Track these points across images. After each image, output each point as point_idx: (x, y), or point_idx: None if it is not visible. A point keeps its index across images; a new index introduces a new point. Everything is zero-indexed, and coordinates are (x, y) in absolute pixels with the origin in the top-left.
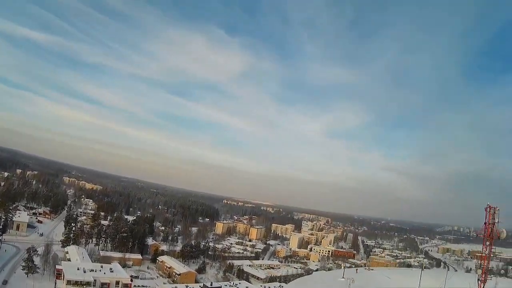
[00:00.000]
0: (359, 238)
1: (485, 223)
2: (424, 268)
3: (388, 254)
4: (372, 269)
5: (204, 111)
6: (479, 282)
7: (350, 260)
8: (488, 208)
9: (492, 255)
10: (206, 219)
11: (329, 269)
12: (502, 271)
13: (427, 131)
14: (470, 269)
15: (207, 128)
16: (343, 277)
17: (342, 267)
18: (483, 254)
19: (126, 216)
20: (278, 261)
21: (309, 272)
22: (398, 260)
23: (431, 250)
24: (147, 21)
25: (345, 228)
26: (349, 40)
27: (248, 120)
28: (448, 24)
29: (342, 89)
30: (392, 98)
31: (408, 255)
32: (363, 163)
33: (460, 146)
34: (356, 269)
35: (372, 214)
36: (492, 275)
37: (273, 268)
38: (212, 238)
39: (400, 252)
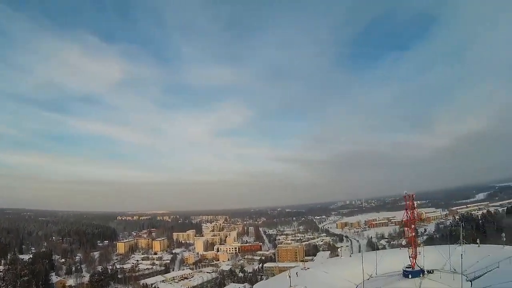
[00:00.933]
0: (261, 229)
1: (406, 209)
2: (351, 255)
3: (292, 239)
4: (308, 268)
5: (86, 126)
6: (411, 259)
7: (258, 252)
8: (407, 196)
9: (387, 220)
10: (105, 241)
11: (242, 266)
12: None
13: (311, 119)
14: (371, 237)
15: (91, 143)
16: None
17: (288, 276)
18: (409, 235)
19: (21, 256)
20: (189, 268)
21: (223, 273)
22: (304, 243)
23: (331, 227)
24: (12, 30)
25: (245, 222)
26: (228, 40)
27: (134, 130)
28: (322, 18)
29: (225, 89)
30: (275, 92)
31: (311, 236)
32: (252, 157)
33: (343, 129)
34: (296, 273)
35: (268, 204)
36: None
37: (187, 278)
38: (117, 260)
39: (303, 235)
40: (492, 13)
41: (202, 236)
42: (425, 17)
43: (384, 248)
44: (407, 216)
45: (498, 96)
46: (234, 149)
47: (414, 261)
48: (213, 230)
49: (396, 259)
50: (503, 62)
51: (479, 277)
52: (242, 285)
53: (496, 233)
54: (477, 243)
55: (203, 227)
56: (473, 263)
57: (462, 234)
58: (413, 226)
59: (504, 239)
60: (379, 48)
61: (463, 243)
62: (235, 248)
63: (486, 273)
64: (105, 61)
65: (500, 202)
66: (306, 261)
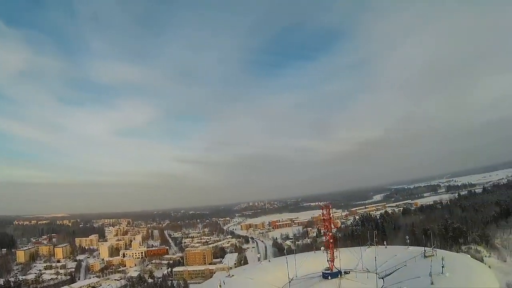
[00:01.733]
0: (166, 232)
1: (323, 219)
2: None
3: (198, 242)
4: (233, 275)
5: None
6: (329, 262)
7: (166, 256)
8: (325, 208)
9: (290, 221)
10: (3, 249)
11: (150, 271)
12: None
13: (215, 121)
14: (276, 238)
15: None
16: None
17: (219, 286)
18: (326, 241)
19: None
20: (96, 276)
21: (132, 280)
22: (211, 245)
23: (236, 229)
24: None
25: (149, 225)
26: (136, 36)
27: (32, 125)
28: (233, 24)
29: (130, 86)
30: (181, 93)
31: (217, 238)
32: (155, 158)
33: (246, 133)
34: (223, 281)
35: (172, 206)
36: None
37: (94, 287)
38: (18, 270)
39: (209, 237)
40: (393, 34)
41: (106, 241)
42: (331, 32)
43: (290, 248)
44: (324, 225)
45: (394, 107)
46: (137, 149)
47: (332, 264)
48: (116, 234)
49: (312, 262)
50: (400, 77)
51: (389, 274)
52: None
53: (394, 232)
54: (385, 245)
55: (106, 231)
56: (382, 263)
57: (374, 237)
58: (330, 233)
59: (408, 241)
60: (286, 57)
61: (372, 245)
62: (142, 252)
63: (395, 271)
64: (7, 47)
65: (396, 203)
66: (215, 263)
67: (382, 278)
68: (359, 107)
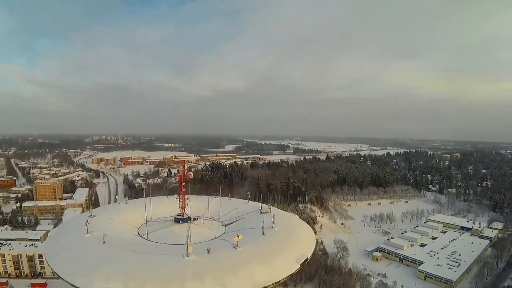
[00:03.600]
0: (12, 161)
1: (178, 171)
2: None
3: (47, 173)
4: (95, 216)
5: None
6: (181, 208)
7: (14, 189)
8: (182, 162)
9: (142, 159)
10: None
11: None
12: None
13: (76, 43)
14: (127, 174)
15: None
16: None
17: (85, 225)
18: (180, 195)
19: None
20: None
21: None
22: (60, 178)
23: (86, 162)
24: None
25: None
26: None
27: None
28: None
29: None
30: (43, 4)
31: (67, 171)
32: (3, 76)
33: (107, 60)
34: (87, 220)
35: (18, 131)
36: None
37: None
38: None
39: (58, 169)
40: None
41: None
42: None
43: (140, 186)
44: (179, 177)
45: (259, 64)
46: None
47: (183, 211)
48: None
49: (165, 206)
50: (268, 36)
51: (231, 223)
52: (4, 227)
53: (241, 182)
54: (229, 197)
55: None
56: (226, 213)
57: (221, 189)
58: (184, 183)
59: (249, 196)
60: None
61: (218, 196)
62: None
63: (236, 221)
64: None
65: (246, 156)
66: (65, 198)
67: (225, 226)
68: (225, 56)
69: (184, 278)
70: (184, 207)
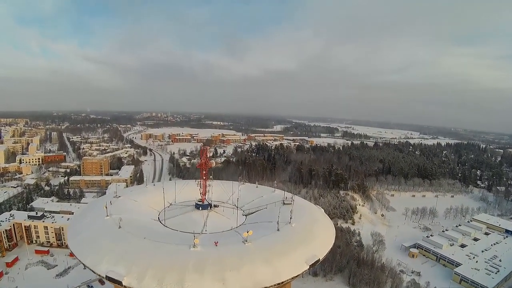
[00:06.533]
0: (64, 135)
1: (201, 158)
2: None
3: (96, 149)
4: (119, 196)
5: None
6: (201, 195)
7: (63, 164)
8: (204, 150)
9: (190, 137)
10: None
11: (47, 179)
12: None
13: (126, 20)
14: (174, 153)
15: None
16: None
17: (105, 207)
18: (202, 181)
19: None
20: None
21: (28, 187)
22: (108, 154)
23: (135, 138)
24: None
25: (47, 127)
26: None
27: None
28: None
29: None
30: None
31: (116, 147)
32: (58, 53)
33: (157, 37)
34: (110, 201)
35: (72, 107)
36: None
37: None
38: None
39: (108, 145)
40: None
41: (2, 143)
42: None
43: (185, 165)
44: (201, 164)
45: (311, 45)
46: (40, 40)
47: (204, 197)
48: (13, 136)
49: (192, 189)
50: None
51: (252, 213)
52: (50, 198)
53: (284, 165)
54: (256, 184)
55: (2, 131)
56: (249, 201)
57: (261, 174)
58: (204, 172)
59: (276, 185)
60: None
61: (246, 182)
62: (39, 159)
63: (257, 211)
64: None
65: (294, 137)
66: (111, 174)
67: (245, 215)
68: (276, 36)
69: (185, 270)
70: (205, 193)
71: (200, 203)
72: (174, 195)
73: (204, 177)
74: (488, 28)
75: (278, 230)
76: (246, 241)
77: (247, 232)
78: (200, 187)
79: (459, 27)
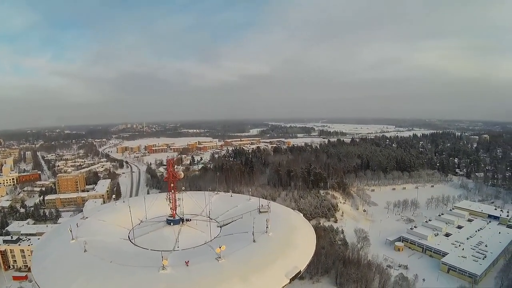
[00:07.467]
0: (39, 154)
1: (168, 171)
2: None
3: (72, 165)
4: (87, 217)
5: None
6: (171, 210)
7: (38, 183)
8: (169, 161)
9: (166, 147)
10: None
11: (22, 200)
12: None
13: (99, 32)
14: (150, 163)
15: None
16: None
17: (69, 230)
18: (171, 194)
19: None
20: None
21: (3, 211)
22: (84, 170)
23: (111, 151)
24: None
25: (21, 146)
26: None
27: None
28: None
29: None
30: None
31: (92, 162)
32: (30, 69)
33: (131, 49)
34: (77, 224)
35: (46, 124)
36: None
37: None
38: None
39: (83, 160)
40: None
41: None
42: None
43: (162, 175)
44: (168, 178)
45: (283, 48)
46: (12, 58)
47: (174, 212)
48: None
49: (164, 204)
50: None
51: (226, 224)
52: (25, 221)
53: (262, 168)
54: (230, 193)
55: None
56: (224, 212)
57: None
58: (172, 185)
59: (251, 192)
60: None
61: (219, 192)
62: (13, 179)
63: (232, 222)
64: None
65: (270, 140)
66: (88, 190)
67: (220, 227)
68: (249, 41)
69: None
70: (175, 208)
71: (171, 218)
72: (144, 211)
73: (173, 190)
74: (455, 23)
75: (254, 241)
76: (220, 257)
77: (220, 247)
78: (170, 201)
79: (426, 22)
